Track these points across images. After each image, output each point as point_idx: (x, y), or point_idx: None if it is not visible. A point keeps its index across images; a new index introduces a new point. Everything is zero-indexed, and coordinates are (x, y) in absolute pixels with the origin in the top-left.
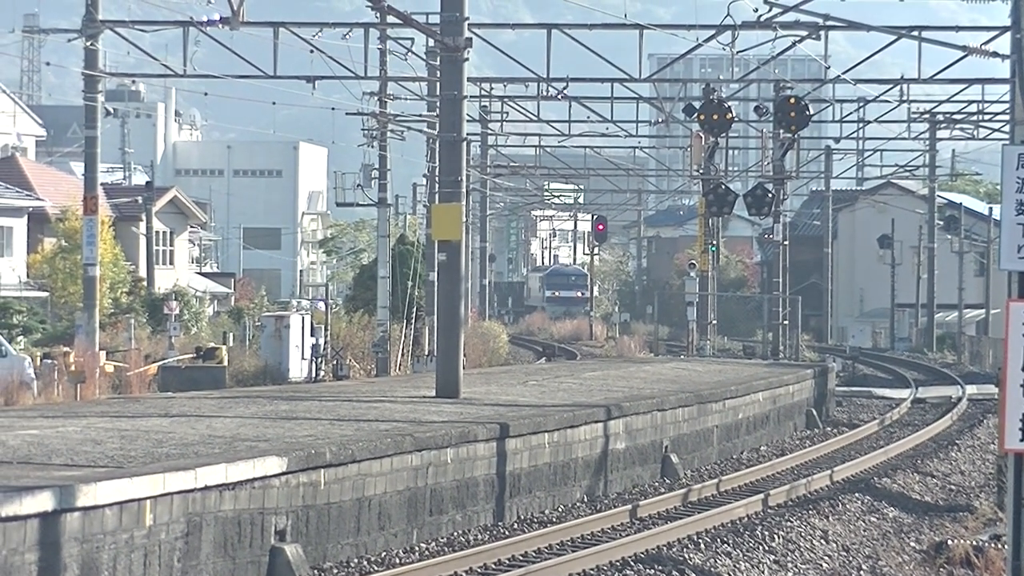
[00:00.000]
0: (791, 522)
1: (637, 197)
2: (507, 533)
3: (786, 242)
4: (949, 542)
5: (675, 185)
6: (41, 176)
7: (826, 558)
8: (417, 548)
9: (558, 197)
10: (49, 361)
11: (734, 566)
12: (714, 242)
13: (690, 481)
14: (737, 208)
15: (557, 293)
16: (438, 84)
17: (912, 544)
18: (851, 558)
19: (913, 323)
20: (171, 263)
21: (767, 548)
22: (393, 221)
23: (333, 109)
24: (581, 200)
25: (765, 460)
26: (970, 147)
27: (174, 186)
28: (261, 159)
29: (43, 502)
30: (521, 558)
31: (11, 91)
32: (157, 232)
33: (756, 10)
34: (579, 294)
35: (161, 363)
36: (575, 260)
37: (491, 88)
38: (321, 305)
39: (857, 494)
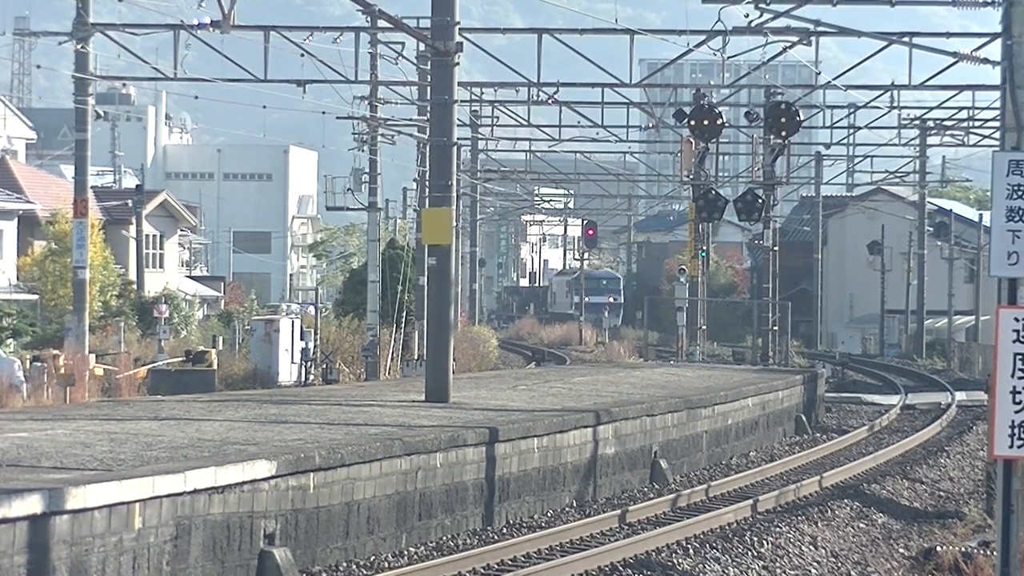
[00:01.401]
0: (780, 528)
1: (627, 202)
2: (496, 538)
3: (776, 248)
4: (938, 548)
5: (665, 190)
6: (31, 179)
7: (815, 564)
8: (406, 552)
9: (548, 202)
10: (39, 364)
11: (723, 571)
12: (704, 247)
13: (679, 486)
14: (727, 214)
15: (587, 299)
16: (429, 88)
17: (901, 550)
18: (840, 564)
19: (903, 329)
20: (161, 266)
21: (756, 554)
22: (383, 225)
23: (324, 113)
24: (571, 205)
25: (754, 466)
26: (960, 153)
27: (164, 189)
28: (251, 163)
29: (32, 505)
30: (510, 562)
31: (1, 94)
32: (147, 235)
33: (747, 15)
34: (611, 299)
35: (151, 366)
36: (565, 265)
37: (482, 93)
38: (311, 309)
39: (846, 500)
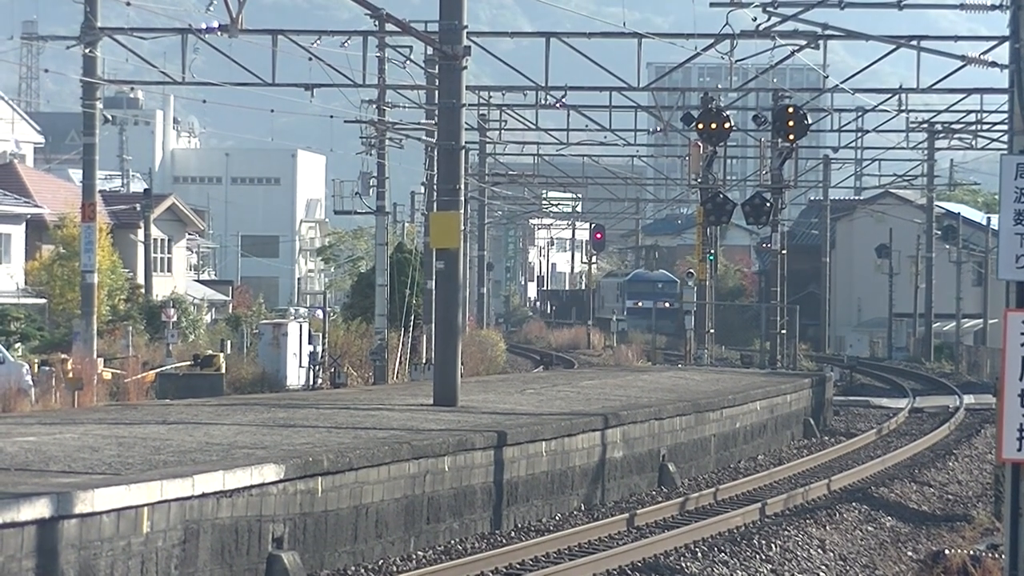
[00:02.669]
0: (788, 531)
1: (635, 206)
2: (504, 541)
3: (784, 251)
4: (946, 551)
5: (673, 194)
6: (39, 183)
7: (823, 567)
8: (414, 556)
9: (556, 206)
10: (47, 368)
11: (731, 575)
12: (712, 251)
13: (687, 490)
14: (735, 217)
15: (640, 303)
16: (436, 92)
17: (909, 553)
18: (848, 567)
19: (911, 333)
20: (169, 270)
21: (764, 557)
22: (391, 229)
23: (331, 117)
24: (579, 209)
25: (763, 469)
26: (968, 157)
27: (172, 193)
28: (259, 167)
29: (40, 509)
30: (518, 566)
31: (9, 98)
32: (155, 239)
33: (755, 19)
34: (667, 304)
35: (159, 370)
36: (572, 269)
37: (489, 96)
38: (319, 313)
39: (854, 503)
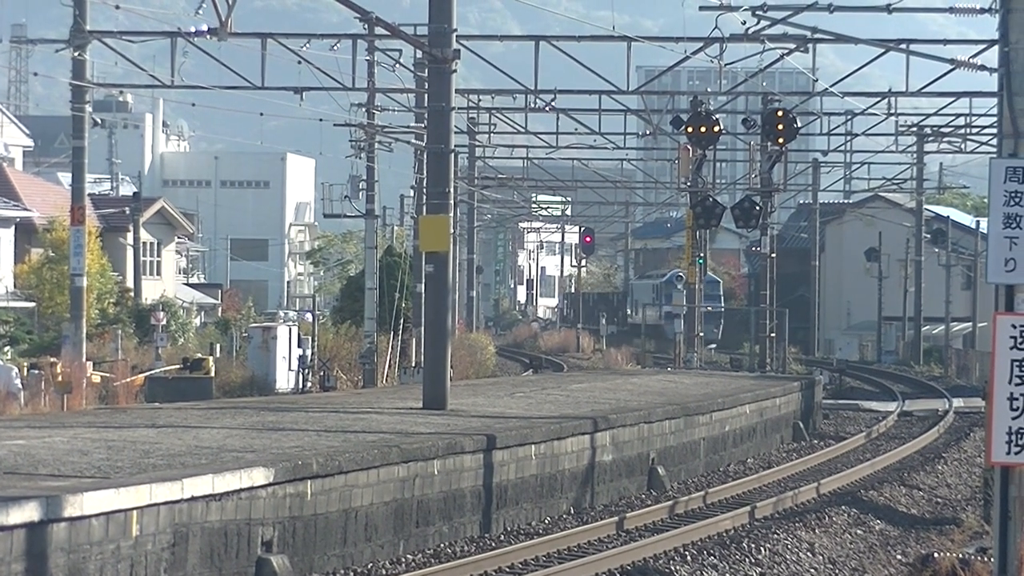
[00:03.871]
0: (777, 534)
1: (625, 209)
2: (494, 545)
3: (773, 255)
4: (935, 555)
5: (663, 197)
6: (28, 186)
7: (812, 570)
8: (403, 559)
9: (546, 209)
10: (36, 371)
11: None
12: (701, 254)
13: (677, 493)
14: (725, 220)
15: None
16: (426, 96)
17: (898, 557)
18: (837, 571)
19: (900, 336)
20: (158, 274)
21: (753, 560)
22: (380, 232)
23: (321, 120)
24: (569, 212)
25: (752, 472)
26: (957, 160)
27: (161, 197)
28: (248, 170)
29: (30, 512)
30: (508, 569)
31: None
32: (144, 243)
33: (744, 23)
34: (709, 308)
35: (148, 374)
36: (562, 272)
37: (479, 100)
38: (308, 316)
39: (844, 507)
